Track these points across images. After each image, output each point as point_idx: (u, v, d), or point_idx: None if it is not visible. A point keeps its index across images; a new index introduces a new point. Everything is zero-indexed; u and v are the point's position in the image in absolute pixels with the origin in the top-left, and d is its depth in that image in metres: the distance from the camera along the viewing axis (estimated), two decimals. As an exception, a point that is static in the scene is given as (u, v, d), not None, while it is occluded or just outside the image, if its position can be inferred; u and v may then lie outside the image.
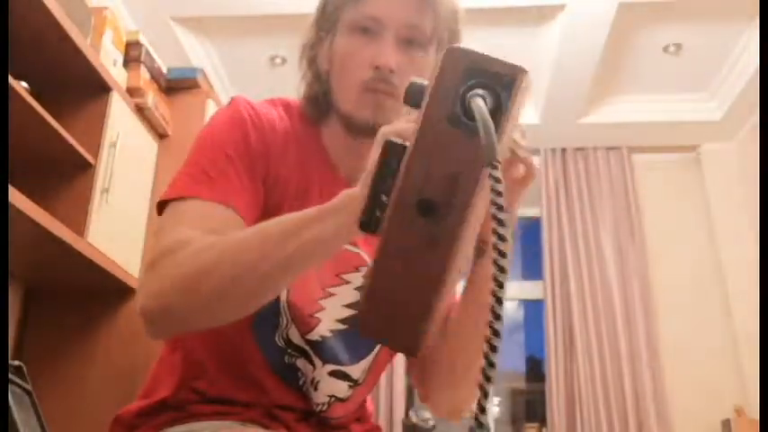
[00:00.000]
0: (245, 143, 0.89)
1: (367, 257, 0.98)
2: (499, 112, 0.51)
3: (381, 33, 0.90)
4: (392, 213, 0.52)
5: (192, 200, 0.83)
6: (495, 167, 0.43)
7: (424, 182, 0.51)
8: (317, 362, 0.95)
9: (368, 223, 0.57)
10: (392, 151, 0.55)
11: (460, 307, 0.93)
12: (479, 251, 0.89)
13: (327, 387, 0.96)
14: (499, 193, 0.42)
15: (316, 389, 0.96)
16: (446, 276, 0.52)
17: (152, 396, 0.96)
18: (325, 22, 0.96)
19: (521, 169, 0.78)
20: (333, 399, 0.98)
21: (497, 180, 0.43)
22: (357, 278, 0.97)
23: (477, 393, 0.97)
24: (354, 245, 0.97)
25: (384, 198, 0.55)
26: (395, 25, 0.90)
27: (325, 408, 0.98)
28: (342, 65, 0.93)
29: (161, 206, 0.86)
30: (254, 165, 0.89)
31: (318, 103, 0.97)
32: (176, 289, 0.74)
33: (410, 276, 0.52)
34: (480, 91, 0.50)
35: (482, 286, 0.88)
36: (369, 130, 0.89)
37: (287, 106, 0.99)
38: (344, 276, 0.97)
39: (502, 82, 0.51)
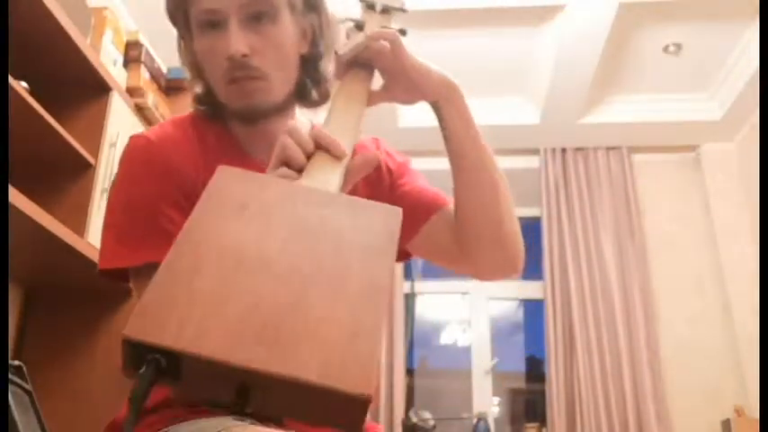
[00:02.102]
0: (160, 186, 0.90)
1: None
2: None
3: (225, 22, 0.90)
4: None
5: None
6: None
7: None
8: None
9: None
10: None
11: (454, 167, 0.97)
12: (435, 108, 0.95)
13: None
14: None
15: None
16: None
17: (152, 397, 0.95)
18: (181, 28, 0.98)
19: (384, 45, 0.89)
20: None
21: None
22: None
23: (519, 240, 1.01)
24: None
25: None
26: (233, 10, 0.89)
27: None
28: (204, 64, 0.95)
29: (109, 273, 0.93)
30: (179, 200, 0.89)
31: (204, 102, 1.00)
32: None
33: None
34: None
35: (456, 136, 0.95)
36: (250, 116, 0.94)
37: (195, 116, 1.02)
38: None
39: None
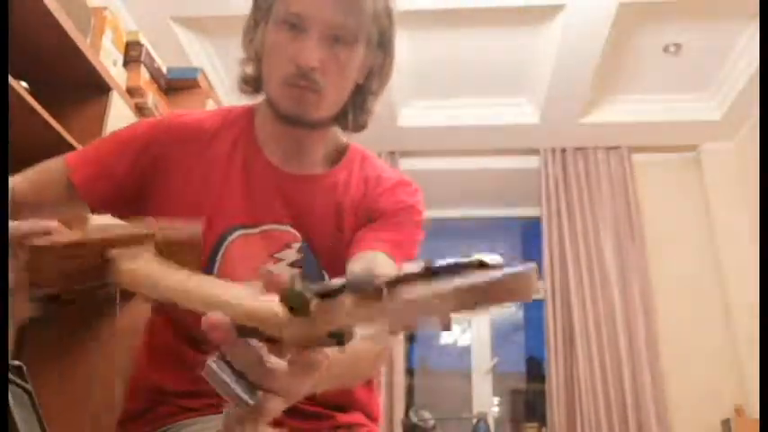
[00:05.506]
0: (132, 136, 1.03)
1: (297, 233, 1.00)
2: None
3: (306, 30, 0.93)
4: None
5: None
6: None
7: None
8: None
9: None
10: None
11: None
12: None
13: None
14: None
15: None
16: None
17: (145, 396, 0.96)
18: (259, 11, 1.01)
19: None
20: None
21: None
22: (290, 254, 0.99)
23: None
24: (281, 223, 0.99)
25: None
26: (319, 23, 0.92)
27: None
28: (269, 57, 0.97)
29: None
30: (128, 151, 1.00)
31: (250, 83, 1.04)
32: None
33: None
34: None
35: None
36: (291, 120, 0.96)
37: (232, 108, 1.09)
38: (277, 255, 0.98)
39: None
